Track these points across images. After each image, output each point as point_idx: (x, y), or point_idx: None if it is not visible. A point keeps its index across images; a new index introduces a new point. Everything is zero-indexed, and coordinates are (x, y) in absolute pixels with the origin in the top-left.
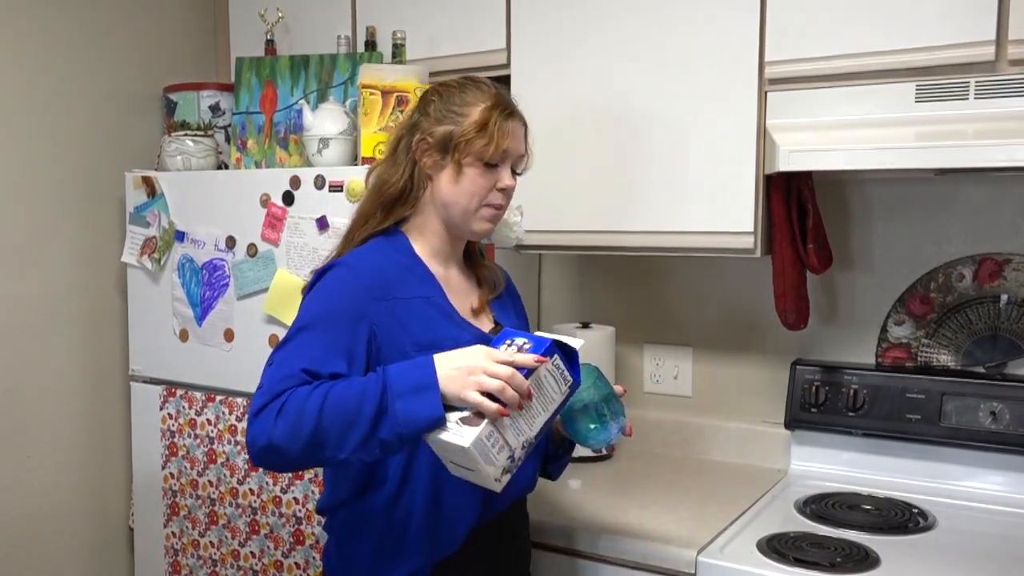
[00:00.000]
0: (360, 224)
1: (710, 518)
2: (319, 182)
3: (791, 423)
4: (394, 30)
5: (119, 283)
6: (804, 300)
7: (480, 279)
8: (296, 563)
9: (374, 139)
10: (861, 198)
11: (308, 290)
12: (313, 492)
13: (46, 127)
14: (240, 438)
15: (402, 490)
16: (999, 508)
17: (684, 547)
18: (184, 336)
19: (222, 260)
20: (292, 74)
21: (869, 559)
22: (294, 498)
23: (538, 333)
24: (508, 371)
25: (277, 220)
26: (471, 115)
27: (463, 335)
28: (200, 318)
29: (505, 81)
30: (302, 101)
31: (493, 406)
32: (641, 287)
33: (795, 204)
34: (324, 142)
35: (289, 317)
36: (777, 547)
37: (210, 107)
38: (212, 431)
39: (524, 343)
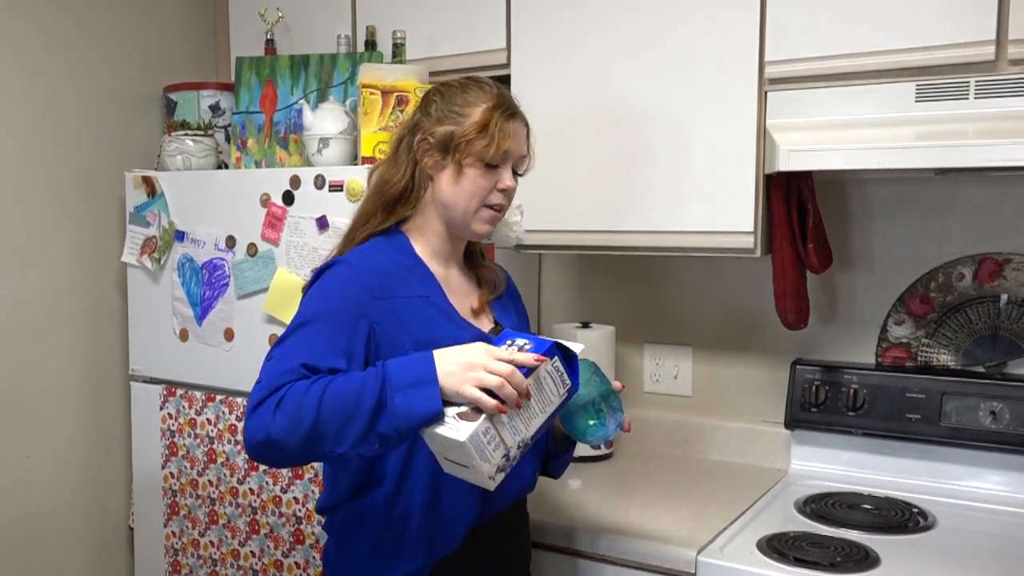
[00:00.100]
0: (361, 224)
1: (710, 518)
2: (319, 182)
3: (791, 423)
4: (394, 30)
5: (119, 283)
6: (804, 300)
7: (480, 279)
8: (296, 562)
9: (374, 139)
10: (861, 198)
11: (308, 288)
12: (313, 492)
13: (46, 127)
14: (240, 438)
15: (400, 489)
16: (999, 508)
17: (684, 547)
18: (184, 336)
19: (222, 260)
20: (292, 74)
21: (869, 559)
22: (294, 498)
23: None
24: (508, 369)
25: (277, 220)
26: (472, 115)
27: (463, 335)
28: (200, 318)
29: (505, 81)
30: (302, 101)
31: (491, 402)
32: (641, 287)
33: (795, 204)
34: (324, 142)
35: (289, 316)
36: (777, 547)
37: (210, 107)
38: (212, 431)
39: (525, 344)
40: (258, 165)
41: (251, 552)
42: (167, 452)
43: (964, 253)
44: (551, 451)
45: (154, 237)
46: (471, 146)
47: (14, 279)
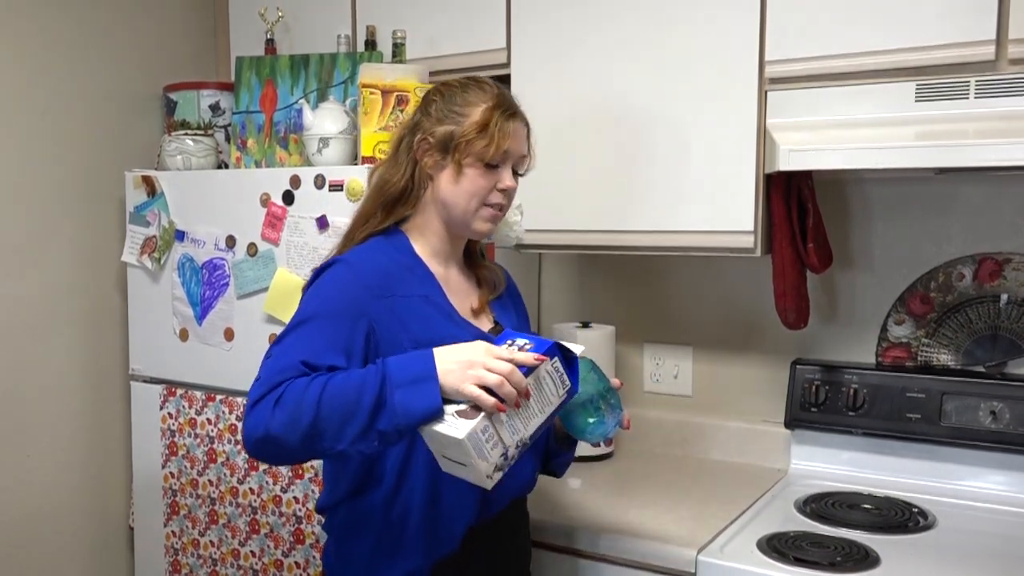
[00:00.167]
0: (361, 223)
1: (710, 517)
2: (319, 181)
3: (791, 422)
4: (394, 29)
5: (119, 283)
6: (804, 299)
7: (480, 279)
8: (296, 562)
9: (374, 138)
10: (861, 197)
11: (308, 287)
12: (313, 491)
13: (46, 127)
14: (240, 437)
15: (400, 488)
16: (999, 507)
17: (684, 546)
18: (184, 335)
19: (222, 259)
20: (292, 73)
21: (869, 558)
22: (294, 497)
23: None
24: (508, 367)
25: (277, 219)
26: (472, 115)
27: (462, 334)
28: (200, 317)
29: (505, 81)
30: (302, 100)
31: (491, 400)
32: (641, 286)
33: (795, 203)
34: (324, 141)
35: (289, 316)
36: (777, 546)
37: (210, 106)
38: (212, 430)
39: (525, 343)
40: (258, 165)
41: (251, 552)
42: (167, 452)
43: (964, 253)
44: (553, 450)
45: (154, 237)
46: (471, 146)
47: (14, 279)
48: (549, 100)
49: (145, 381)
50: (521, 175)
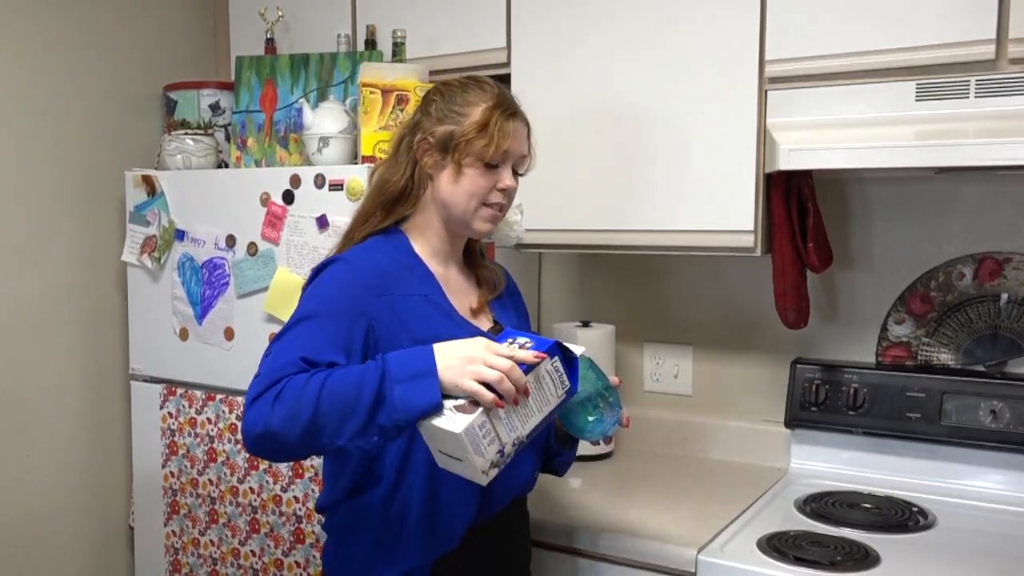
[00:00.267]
0: (360, 223)
1: (710, 517)
2: (319, 181)
3: (791, 422)
4: (394, 29)
5: (119, 282)
6: (804, 299)
7: (480, 279)
8: (296, 561)
9: (374, 138)
10: (861, 197)
11: (307, 285)
12: (313, 491)
13: (46, 127)
14: (240, 437)
15: (399, 486)
16: (999, 507)
17: (684, 546)
18: (184, 335)
19: (222, 259)
20: (292, 73)
21: (869, 558)
22: (294, 497)
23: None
24: (508, 363)
25: (277, 219)
26: (472, 115)
27: (462, 334)
28: (200, 317)
29: (505, 80)
30: (302, 100)
31: (489, 395)
32: (641, 286)
33: (795, 203)
34: (324, 141)
35: (289, 316)
36: (777, 546)
37: (210, 106)
38: (212, 430)
39: (526, 342)
40: (258, 164)
41: (251, 551)
42: (167, 451)
43: (964, 252)
44: (554, 450)
45: (154, 236)
46: (471, 146)
47: (14, 279)
48: (549, 100)
49: (145, 380)
50: (521, 175)
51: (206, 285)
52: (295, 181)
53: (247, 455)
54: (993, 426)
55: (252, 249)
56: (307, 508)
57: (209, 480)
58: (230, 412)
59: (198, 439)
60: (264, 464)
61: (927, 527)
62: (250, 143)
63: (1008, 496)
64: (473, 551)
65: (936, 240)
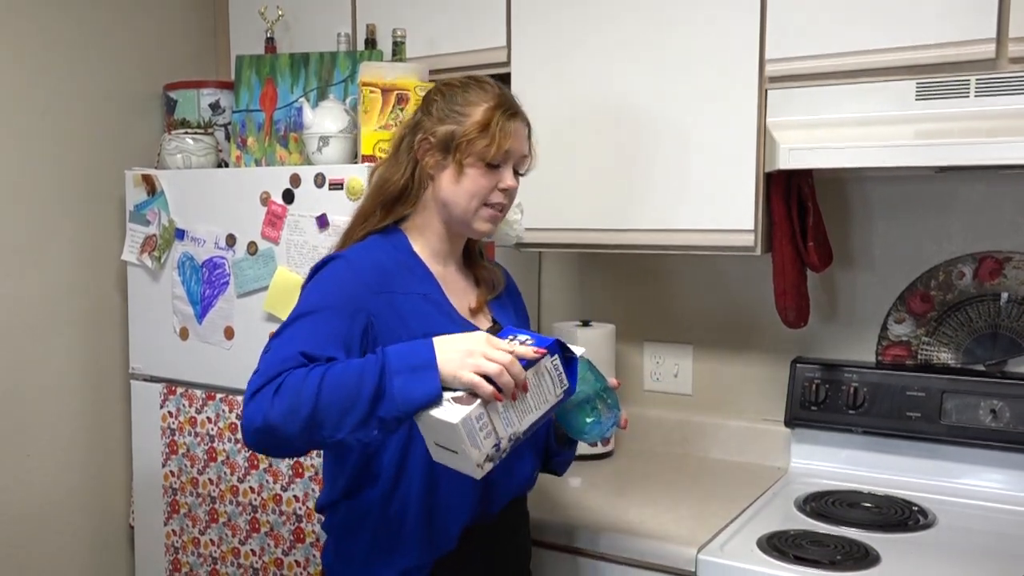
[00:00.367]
0: (360, 222)
1: (710, 516)
2: (319, 180)
3: (791, 421)
4: (394, 28)
5: (119, 281)
6: (804, 298)
7: (479, 279)
8: (296, 561)
9: (374, 137)
10: (861, 196)
11: (307, 282)
12: (313, 490)
13: (46, 127)
14: (240, 436)
15: (397, 483)
16: (999, 506)
17: (684, 545)
18: (184, 334)
19: (222, 258)
20: (292, 72)
21: (869, 557)
22: (294, 496)
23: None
24: (508, 357)
25: (277, 218)
26: (473, 115)
27: (460, 332)
28: (200, 316)
29: (505, 80)
30: (302, 99)
31: (488, 387)
32: (641, 285)
33: (795, 202)
34: (324, 140)
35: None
36: (777, 545)
37: (210, 105)
38: (212, 429)
39: (527, 339)
40: (258, 163)
41: (251, 550)
42: (167, 450)
43: (964, 251)
44: (553, 449)
45: (154, 235)
46: (472, 145)
47: (14, 279)
48: (549, 99)
49: (145, 380)
50: (522, 175)
51: (206, 284)
52: (295, 180)
53: (247, 454)
54: (993, 425)
55: (252, 248)
56: (307, 507)
57: (209, 479)
58: (230, 411)
59: (198, 438)
60: (264, 463)
61: (927, 526)
62: (250, 142)
63: (1008, 495)
64: (472, 551)
65: (936, 239)
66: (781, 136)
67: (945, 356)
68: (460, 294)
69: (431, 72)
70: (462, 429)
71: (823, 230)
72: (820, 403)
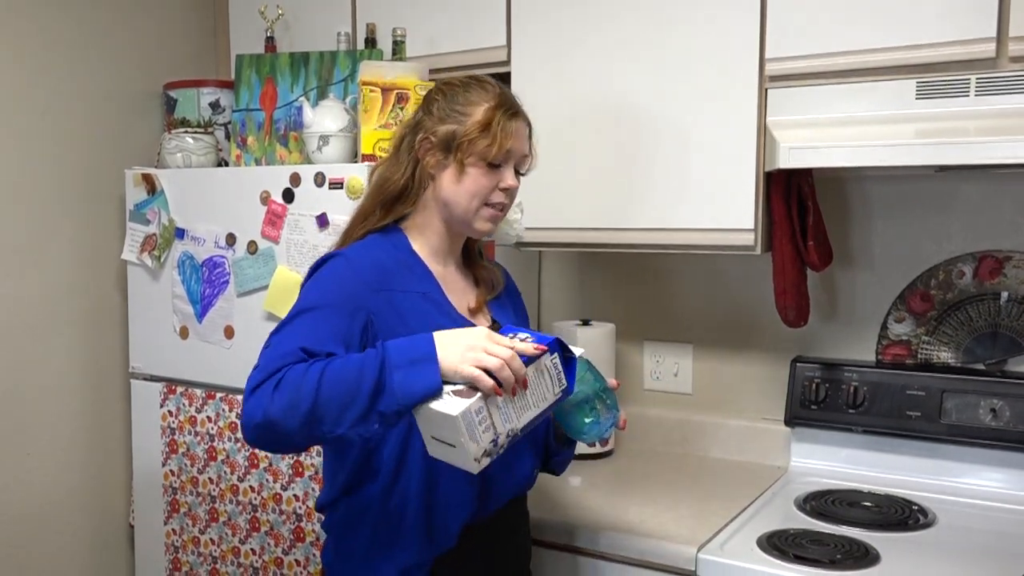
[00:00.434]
0: (359, 221)
1: (710, 515)
2: (319, 179)
3: (791, 420)
4: (394, 27)
5: (119, 281)
6: (804, 297)
7: (478, 279)
8: (296, 560)
9: (374, 136)
10: (861, 195)
11: (307, 280)
12: (313, 489)
13: (46, 127)
14: (241, 435)
15: (397, 478)
16: (999, 505)
17: (684, 544)
18: (184, 333)
19: (222, 257)
20: (292, 71)
21: (869, 556)
22: (294, 495)
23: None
24: (508, 352)
25: (277, 217)
26: (474, 115)
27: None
28: (200, 315)
29: (505, 79)
30: (302, 98)
31: (489, 382)
32: (641, 284)
33: (795, 201)
34: (324, 139)
35: None
36: (777, 544)
37: (210, 104)
38: (212, 428)
39: (527, 337)
40: (258, 163)
41: (251, 550)
42: (167, 450)
43: (964, 250)
44: (552, 449)
45: (154, 235)
46: (473, 145)
47: (14, 279)
48: (549, 99)
49: (145, 379)
50: (523, 174)
51: (206, 283)
52: (295, 179)
53: (247, 453)
54: (993, 424)
55: (252, 247)
56: (307, 506)
57: (209, 478)
58: (230, 410)
59: (198, 437)
60: (264, 462)
61: (927, 525)
62: (250, 141)
63: (1008, 494)
64: (473, 550)
65: (936, 238)
66: (781, 135)
67: (945, 355)
68: (459, 293)
69: (431, 71)
70: (461, 422)
71: (823, 229)
72: (820, 402)
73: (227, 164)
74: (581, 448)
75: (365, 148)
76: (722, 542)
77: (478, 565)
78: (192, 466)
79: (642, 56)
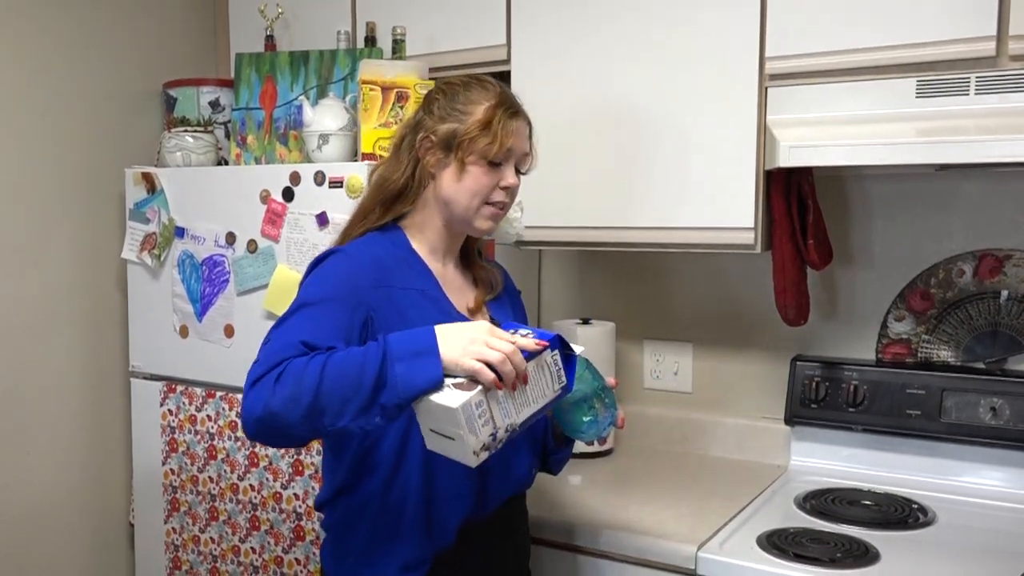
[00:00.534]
0: (359, 220)
1: (710, 514)
2: (319, 178)
3: (791, 419)
4: (394, 26)
5: (119, 280)
6: (804, 296)
7: (477, 279)
8: (296, 559)
9: (374, 135)
10: (861, 194)
11: (307, 275)
12: (313, 488)
13: (46, 127)
14: (240, 434)
15: (396, 472)
16: (999, 504)
17: (684, 542)
18: (184, 332)
19: (222, 256)
20: (292, 70)
21: (869, 554)
22: (294, 494)
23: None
24: (510, 347)
25: (277, 216)
26: (475, 113)
27: None
28: (200, 314)
29: (505, 78)
30: (302, 97)
31: (490, 375)
32: (641, 283)
33: (795, 200)
34: (324, 138)
35: None
36: (777, 542)
37: (210, 103)
38: (212, 427)
39: (528, 333)
40: (258, 161)
41: (251, 548)
42: (167, 448)
43: (964, 249)
44: (550, 447)
45: (154, 233)
46: (474, 144)
47: (14, 279)
48: (549, 98)
49: (145, 378)
50: (523, 173)
51: (206, 282)
52: (295, 178)
53: (247, 452)
54: (993, 423)
55: (252, 246)
56: (307, 505)
57: (209, 477)
58: (230, 409)
59: (198, 436)
60: (264, 461)
61: (927, 524)
62: (250, 140)
63: (1008, 493)
64: (472, 548)
65: (936, 237)
66: (781, 134)
67: (945, 354)
68: (458, 292)
69: (431, 70)
70: (461, 414)
71: (823, 228)
72: (820, 401)
73: (227, 163)
74: (581, 447)
75: (365, 147)
76: (722, 541)
77: (477, 564)
78: (192, 465)
79: (642, 56)
